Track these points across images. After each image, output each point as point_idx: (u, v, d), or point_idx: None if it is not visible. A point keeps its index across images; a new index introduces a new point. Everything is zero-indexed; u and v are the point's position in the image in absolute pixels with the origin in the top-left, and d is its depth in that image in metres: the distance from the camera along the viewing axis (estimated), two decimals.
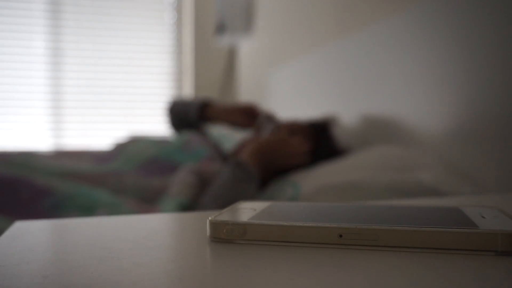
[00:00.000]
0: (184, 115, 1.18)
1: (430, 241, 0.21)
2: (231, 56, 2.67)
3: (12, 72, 2.66)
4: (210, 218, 0.27)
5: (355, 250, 0.22)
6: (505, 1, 0.74)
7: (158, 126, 2.87)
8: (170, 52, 2.87)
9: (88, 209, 0.77)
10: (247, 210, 0.29)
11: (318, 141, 1.01)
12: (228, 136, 1.50)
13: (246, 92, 2.41)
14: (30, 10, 2.67)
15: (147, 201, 0.88)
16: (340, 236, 0.23)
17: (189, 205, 0.83)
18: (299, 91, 1.62)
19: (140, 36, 2.83)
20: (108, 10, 2.78)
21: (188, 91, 2.78)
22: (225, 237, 0.26)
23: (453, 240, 0.21)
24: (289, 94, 1.72)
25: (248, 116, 1.10)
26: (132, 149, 0.99)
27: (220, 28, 2.31)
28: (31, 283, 0.18)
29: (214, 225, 0.26)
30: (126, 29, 2.81)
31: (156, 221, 0.32)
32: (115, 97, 2.81)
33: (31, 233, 0.28)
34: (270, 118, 1.07)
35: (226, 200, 0.80)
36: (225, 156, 1.05)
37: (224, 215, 0.27)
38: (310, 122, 1.04)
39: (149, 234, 0.28)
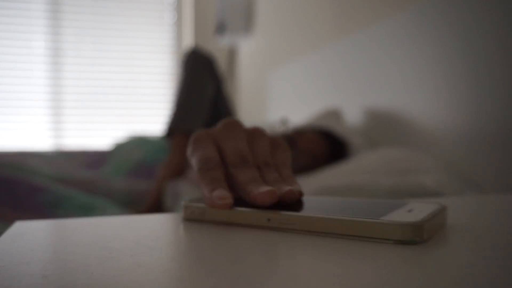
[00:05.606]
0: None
1: (340, 228, 0.26)
2: (231, 56, 2.68)
3: (12, 72, 2.66)
4: (183, 201, 0.33)
5: (279, 232, 0.27)
6: (506, 0, 0.74)
7: (158, 126, 2.87)
8: (170, 52, 2.87)
9: (87, 209, 0.78)
10: None
11: (331, 157, 1.03)
12: None
13: (246, 92, 2.41)
14: (30, 10, 2.67)
15: (135, 203, 0.93)
16: (269, 220, 0.28)
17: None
18: (299, 91, 1.62)
19: (140, 36, 2.83)
20: (108, 10, 2.78)
21: None
22: (189, 217, 0.32)
23: (357, 228, 0.25)
24: (289, 94, 1.72)
25: None
26: (121, 154, 1.03)
27: (220, 28, 2.31)
28: (31, 283, 0.18)
29: (185, 208, 0.32)
30: (126, 29, 2.81)
31: (156, 221, 0.32)
32: (115, 97, 2.81)
33: (31, 233, 0.28)
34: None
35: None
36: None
37: (195, 201, 0.33)
38: (329, 138, 1.05)
39: (149, 234, 0.28)
